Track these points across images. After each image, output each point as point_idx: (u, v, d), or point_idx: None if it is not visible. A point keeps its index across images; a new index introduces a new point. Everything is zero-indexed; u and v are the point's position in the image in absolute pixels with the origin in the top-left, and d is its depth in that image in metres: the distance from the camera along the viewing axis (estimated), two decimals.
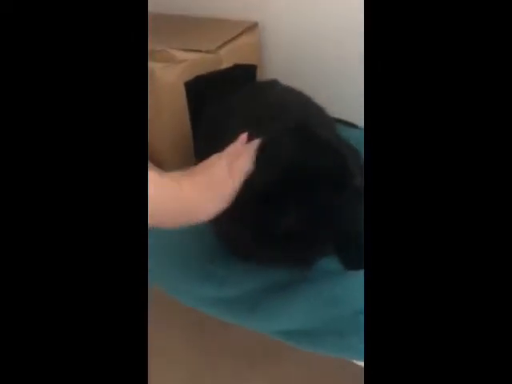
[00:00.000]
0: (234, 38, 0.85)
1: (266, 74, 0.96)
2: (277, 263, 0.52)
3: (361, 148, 0.63)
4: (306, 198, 0.44)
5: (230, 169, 0.45)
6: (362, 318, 0.48)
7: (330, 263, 0.54)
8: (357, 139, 0.72)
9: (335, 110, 0.86)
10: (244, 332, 0.80)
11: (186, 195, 0.43)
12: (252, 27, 0.90)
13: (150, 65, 0.71)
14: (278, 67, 0.97)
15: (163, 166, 0.80)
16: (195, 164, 0.79)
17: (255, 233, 0.46)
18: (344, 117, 0.90)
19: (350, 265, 0.54)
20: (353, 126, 0.89)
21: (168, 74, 0.74)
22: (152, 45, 0.61)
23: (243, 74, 0.88)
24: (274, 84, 0.78)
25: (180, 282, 0.56)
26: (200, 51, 0.79)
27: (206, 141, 0.74)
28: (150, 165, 0.76)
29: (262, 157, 0.46)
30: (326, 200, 0.45)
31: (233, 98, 0.74)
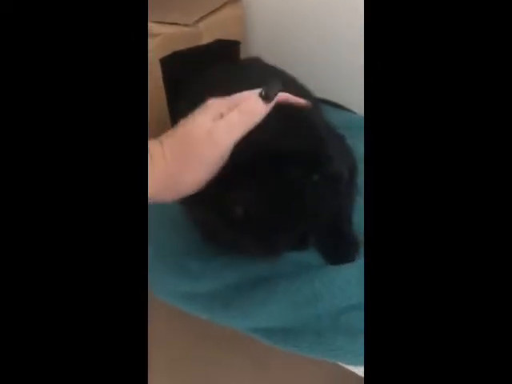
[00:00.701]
0: (215, 11, 0.79)
1: (250, 50, 0.91)
2: (242, 250, 0.48)
3: (347, 129, 0.60)
4: (271, 178, 0.40)
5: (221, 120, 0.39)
6: (342, 317, 0.46)
7: (311, 256, 0.51)
8: (343, 121, 0.69)
9: (322, 90, 0.83)
10: None
11: (168, 163, 0.37)
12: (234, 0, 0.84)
13: None
14: (263, 43, 0.92)
15: None
16: None
17: (215, 214, 0.42)
18: (329, 97, 0.86)
19: (330, 258, 0.50)
20: (339, 106, 0.85)
21: None
22: None
23: (225, 51, 0.82)
24: (256, 61, 0.73)
25: (154, 275, 0.52)
26: (177, 24, 0.73)
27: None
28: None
29: None
30: (294, 183, 0.41)
31: (211, 76, 0.69)
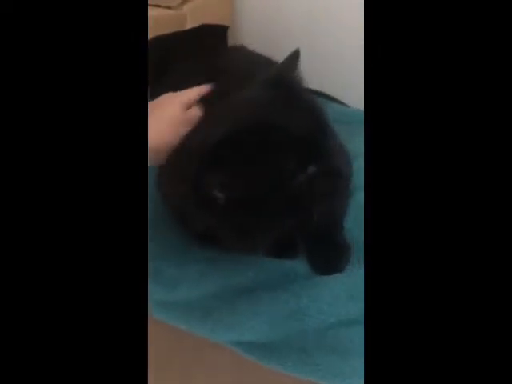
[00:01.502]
0: None
1: (239, 34, 0.86)
2: (222, 237, 0.44)
3: (339, 123, 0.56)
4: (259, 163, 0.36)
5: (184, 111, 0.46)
6: (330, 334, 0.42)
7: (298, 265, 0.47)
8: (335, 114, 0.65)
9: (316, 80, 0.79)
10: None
11: None
12: None
13: None
14: (253, 26, 0.86)
15: None
16: None
17: (197, 195, 0.38)
18: (321, 87, 0.81)
19: (319, 268, 0.47)
20: (331, 99, 0.81)
21: None
22: None
23: (211, 36, 0.77)
24: (241, 48, 0.68)
25: None
26: (159, 6, 0.68)
27: None
28: None
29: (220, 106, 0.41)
30: (286, 173, 0.37)
31: (195, 65, 0.65)
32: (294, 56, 0.47)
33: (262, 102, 0.41)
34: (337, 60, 0.85)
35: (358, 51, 0.76)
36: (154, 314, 0.48)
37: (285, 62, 0.48)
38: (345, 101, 0.82)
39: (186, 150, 0.41)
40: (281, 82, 0.42)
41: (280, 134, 0.37)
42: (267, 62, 0.68)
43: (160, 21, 0.67)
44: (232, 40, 0.83)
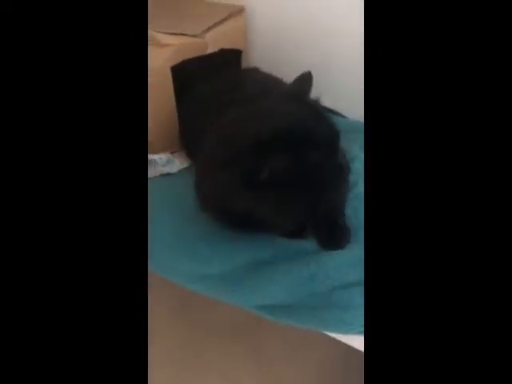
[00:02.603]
0: (220, 22, 0.86)
1: (251, 58, 0.98)
2: (261, 214, 0.54)
3: (347, 138, 0.67)
4: (296, 154, 0.49)
5: None
6: (335, 294, 0.53)
7: (308, 244, 0.59)
8: (343, 128, 0.76)
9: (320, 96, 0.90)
10: (227, 310, 0.85)
11: None
12: (239, 11, 0.91)
13: None
14: (263, 52, 0.99)
15: (151, 148, 0.82)
16: (180, 145, 0.83)
17: (245, 175, 0.50)
18: (328, 105, 0.93)
19: (325, 245, 0.58)
20: (336, 113, 0.92)
21: (155, 59, 0.75)
22: None
23: (228, 59, 0.90)
24: (255, 71, 0.81)
25: (169, 262, 0.60)
26: (186, 35, 0.80)
27: (190, 125, 0.78)
28: None
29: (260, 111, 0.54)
30: (316, 161, 0.50)
31: (216, 83, 0.77)
32: (307, 77, 0.59)
33: (291, 110, 0.54)
34: (342, 77, 0.96)
35: (359, 69, 0.88)
36: (192, 288, 0.59)
37: (298, 82, 0.60)
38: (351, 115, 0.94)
39: (234, 144, 0.52)
40: (297, 96, 0.55)
41: (309, 134, 0.51)
42: (276, 80, 0.81)
43: (187, 48, 0.79)
44: (245, 62, 0.95)
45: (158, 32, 0.77)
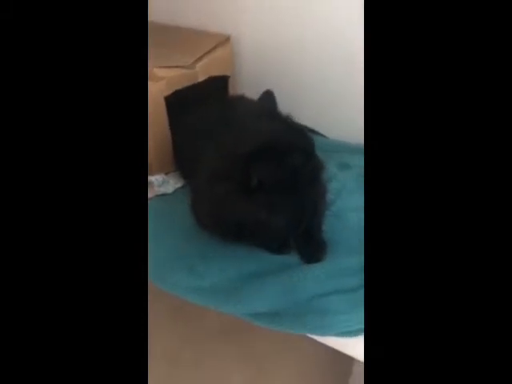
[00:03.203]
0: (208, 52, 0.94)
1: (238, 83, 1.06)
2: (254, 219, 0.62)
3: (326, 157, 0.75)
4: (279, 161, 0.59)
5: None
6: (314, 301, 0.61)
7: (291, 258, 0.67)
8: (322, 147, 0.84)
9: (303, 118, 0.98)
10: (219, 315, 0.93)
11: None
12: (225, 40, 0.99)
13: None
14: (249, 77, 1.07)
15: (148, 170, 0.90)
16: (174, 167, 0.91)
17: (236, 183, 0.60)
18: (312, 125, 1.01)
19: (305, 259, 0.67)
20: (316, 133, 1.00)
21: (151, 91, 0.83)
22: None
23: (216, 85, 0.97)
24: (240, 99, 0.89)
25: (166, 276, 0.67)
26: (178, 67, 0.88)
27: (183, 148, 0.86)
28: None
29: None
30: (297, 167, 0.60)
31: (206, 112, 0.85)
32: (269, 95, 0.68)
33: (274, 128, 0.64)
34: (322, 99, 1.04)
35: (343, 91, 0.96)
36: (191, 299, 0.67)
37: (263, 100, 0.70)
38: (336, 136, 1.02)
39: (227, 159, 0.62)
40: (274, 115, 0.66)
41: (288, 144, 0.60)
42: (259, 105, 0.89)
43: (178, 79, 0.87)
44: (232, 88, 1.03)
45: (155, 67, 0.84)
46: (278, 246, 0.69)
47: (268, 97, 0.71)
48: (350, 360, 0.74)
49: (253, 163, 0.58)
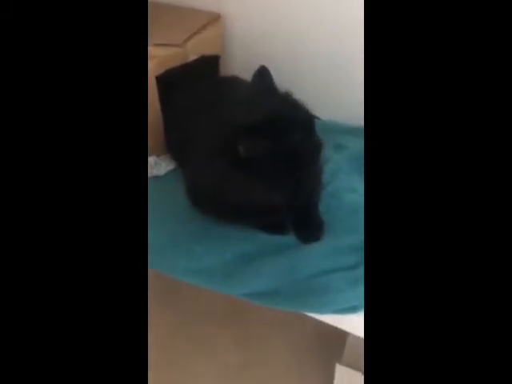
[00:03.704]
0: (199, 31, 0.92)
1: (229, 63, 1.04)
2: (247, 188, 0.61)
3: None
4: (276, 135, 0.58)
5: None
6: (313, 280, 0.62)
7: (288, 238, 0.67)
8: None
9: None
10: (213, 297, 0.93)
11: None
12: (216, 19, 0.97)
13: None
14: (239, 57, 1.05)
15: None
16: (166, 149, 0.89)
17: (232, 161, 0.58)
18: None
19: (303, 239, 0.67)
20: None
21: None
22: None
23: (207, 65, 0.95)
24: (233, 79, 0.88)
25: (166, 258, 0.67)
26: (169, 45, 0.85)
27: (175, 129, 0.84)
28: None
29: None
30: (297, 142, 0.59)
31: (197, 92, 0.83)
32: (264, 71, 0.66)
33: (270, 103, 0.62)
34: (312, 79, 1.03)
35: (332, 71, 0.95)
36: (189, 281, 0.67)
37: (258, 77, 0.68)
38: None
39: (221, 135, 0.60)
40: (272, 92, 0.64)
41: (292, 118, 0.59)
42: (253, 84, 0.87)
43: (170, 58, 0.85)
44: (223, 67, 1.01)
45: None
46: (274, 226, 0.68)
47: (263, 73, 0.69)
48: (342, 338, 0.75)
49: (240, 139, 0.57)
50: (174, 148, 0.87)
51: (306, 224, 0.68)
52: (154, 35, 0.86)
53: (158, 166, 0.88)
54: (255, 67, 0.97)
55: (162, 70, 0.84)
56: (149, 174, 0.86)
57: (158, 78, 0.84)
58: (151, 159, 0.89)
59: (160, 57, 0.83)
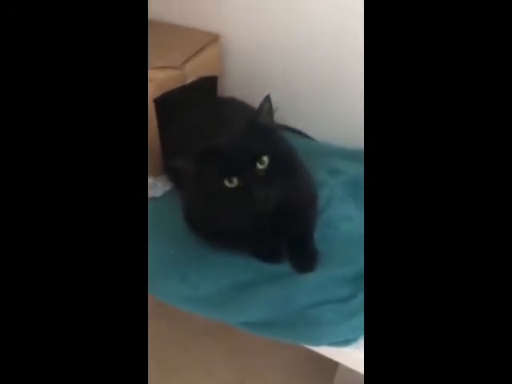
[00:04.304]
0: (197, 52, 0.92)
1: (226, 83, 1.05)
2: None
3: (306, 153, 0.73)
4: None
5: None
6: (307, 312, 0.62)
7: (283, 268, 0.68)
8: (302, 146, 0.82)
9: (290, 118, 0.98)
10: None
11: None
12: (214, 39, 0.98)
13: None
14: (237, 77, 1.06)
15: None
16: (163, 169, 0.89)
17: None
18: (299, 127, 1.01)
19: (298, 269, 0.67)
20: (305, 135, 1.01)
21: None
22: None
23: (205, 86, 0.96)
24: (230, 100, 0.88)
25: (162, 285, 0.67)
26: (167, 67, 0.86)
27: (172, 151, 0.84)
28: None
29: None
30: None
31: (194, 114, 0.84)
32: (266, 101, 0.66)
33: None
34: (309, 100, 1.04)
35: (330, 91, 0.96)
36: (182, 308, 0.67)
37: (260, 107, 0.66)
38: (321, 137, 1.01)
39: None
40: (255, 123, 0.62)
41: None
42: (249, 108, 0.88)
43: (168, 80, 0.85)
44: (220, 88, 1.02)
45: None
46: (269, 254, 0.69)
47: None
48: None
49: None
50: (171, 170, 0.88)
51: (301, 253, 0.68)
52: (152, 56, 0.86)
53: (155, 187, 0.89)
54: (253, 87, 0.99)
55: (160, 93, 0.84)
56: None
57: (156, 101, 0.84)
58: (149, 180, 0.89)
59: (158, 79, 0.83)
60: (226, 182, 0.58)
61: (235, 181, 0.58)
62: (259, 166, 0.58)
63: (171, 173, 0.88)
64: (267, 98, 0.63)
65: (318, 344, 0.61)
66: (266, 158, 0.58)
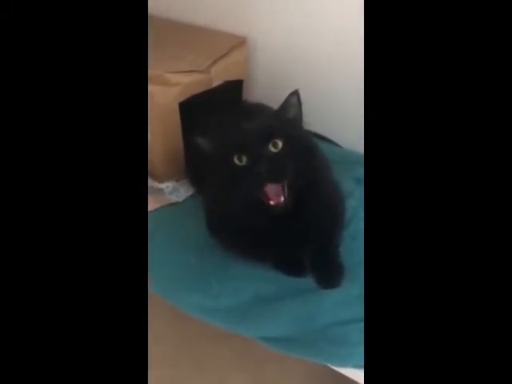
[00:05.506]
0: (223, 56, 0.90)
1: (251, 88, 1.03)
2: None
3: (332, 162, 0.71)
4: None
5: None
6: (330, 330, 0.60)
7: (307, 282, 0.65)
8: (336, 158, 0.80)
9: (316, 125, 0.95)
10: None
11: None
12: (241, 43, 0.96)
13: (149, 88, 0.77)
14: (262, 81, 1.04)
15: (159, 178, 0.88)
16: (185, 174, 0.88)
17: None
18: (325, 133, 0.98)
19: (322, 284, 0.65)
20: (331, 142, 0.98)
21: (165, 96, 0.80)
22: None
23: (231, 90, 0.94)
24: (257, 106, 0.86)
25: (182, 294, 0.65)
26: (193, 71, 0.85)
27: (195, 154, 0.83)
28: None
29: None
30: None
31: (219, 118, 0.82)
32: (292, 95, 0.63)
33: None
34: (335, 106, 1.01)
35: (356, 97, 0.93)
36: (202, 319, 0.65)
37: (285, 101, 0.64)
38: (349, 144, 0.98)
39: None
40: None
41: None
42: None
43: (193, 84, 0.84)
44: (246, 93, 1.00)
45: (168, 72, 0.81)
46: (294, 267, 0.67)
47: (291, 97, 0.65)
48: None
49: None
50: (194, 174, 0.86)
51: (326, 267, 0.66)
52: (177, 58, 0.85)
53: (177, 191, 0.88)
54: (278, 91, 0.96)
55: (185, 97, 0.83)
56: (168, 200, 0.86)
57: (182, 105, 0.83)
58: (170, 184, 0.88)
59: (184, 84, 0.82)
60: (236, 159, 0.56)
61: (244, 159, 0.56)
62: (271, 149, 0.56)
63: (193, 177, 0.87)
64: (294, 93, 0.62)
65: (342, 365, 0.59)
66: (279, 142, 0.56)
